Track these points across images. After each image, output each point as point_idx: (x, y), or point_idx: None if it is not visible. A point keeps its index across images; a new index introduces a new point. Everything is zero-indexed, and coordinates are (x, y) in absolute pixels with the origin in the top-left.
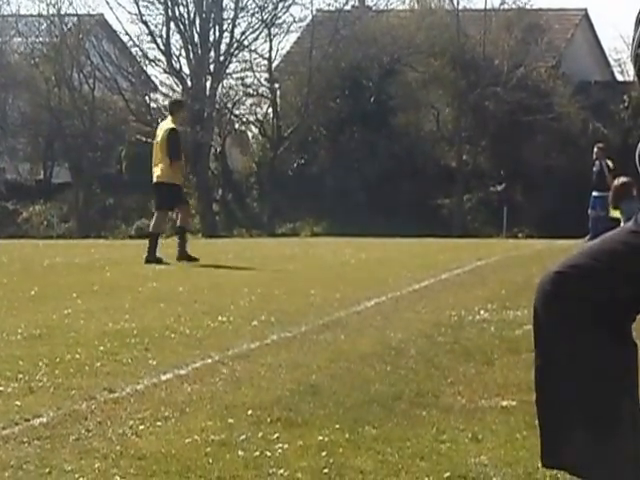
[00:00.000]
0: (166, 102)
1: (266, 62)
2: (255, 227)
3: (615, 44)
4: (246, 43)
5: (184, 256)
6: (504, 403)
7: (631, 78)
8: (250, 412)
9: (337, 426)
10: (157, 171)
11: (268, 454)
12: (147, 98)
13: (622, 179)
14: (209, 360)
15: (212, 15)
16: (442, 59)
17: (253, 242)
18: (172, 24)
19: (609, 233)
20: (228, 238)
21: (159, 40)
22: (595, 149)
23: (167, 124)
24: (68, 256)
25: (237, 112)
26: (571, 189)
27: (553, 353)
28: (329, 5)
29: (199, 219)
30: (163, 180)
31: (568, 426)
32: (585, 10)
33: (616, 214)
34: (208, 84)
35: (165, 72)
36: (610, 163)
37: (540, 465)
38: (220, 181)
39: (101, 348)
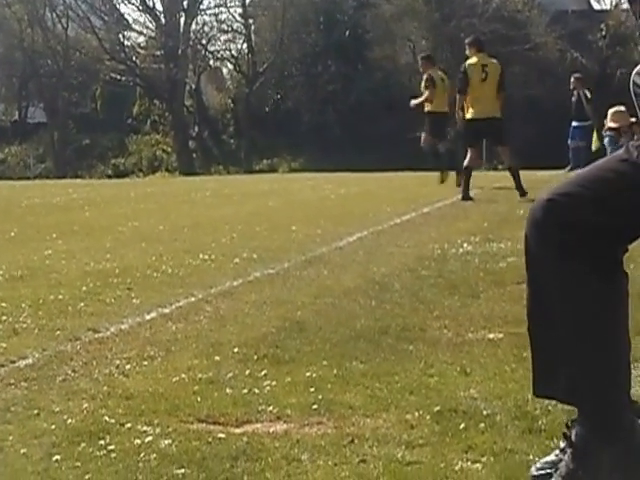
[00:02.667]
0: (140, 40)
1: None
2: (232, 164)
3: None
4: None
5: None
6: (491, 336)
7: (608, 6)
8: (236, 349)
9: (324, 362)
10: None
11: (256, 391)
12: (121, 36)
13: (630, 117)
14: (192, 298)
15: None
16: None
17: (231, 179)
18: None
19: (600, 161)
20: (205, 175)
21: None
22: (572, 79)
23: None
24: (46, 196)
25: (211, 49)
26: (550, 120)
27: (544, 282)
28: None
29: (175, 157)
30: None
31: (560, 354)
32: None
33: (597, 145)
34: (182, 21)
35: (138, 9)
36: (588, 93)
37: (531, 395)
38: (196, 118)
39: (84, 288)
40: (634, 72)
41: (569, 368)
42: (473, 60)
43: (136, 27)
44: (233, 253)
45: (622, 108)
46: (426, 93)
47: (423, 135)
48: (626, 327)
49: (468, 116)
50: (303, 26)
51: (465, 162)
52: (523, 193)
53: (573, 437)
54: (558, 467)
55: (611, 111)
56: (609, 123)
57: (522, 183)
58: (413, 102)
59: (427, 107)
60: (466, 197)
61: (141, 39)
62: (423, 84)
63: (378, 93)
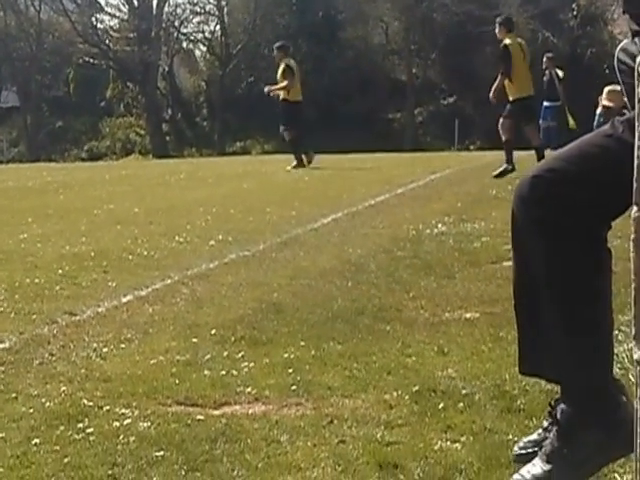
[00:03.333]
0: (113, 22)
1: None
2: (205, 146)
3: None
4: None
5: None
6: (467, 315)
7: None
8: (214, 331)
9: (302, 343)
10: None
11: (234, 373)
12: (93, 19)
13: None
14: (169, 281)
15: None
16: None
17: (204, 161)
18: None
19: (585, 136)
20: (179, 158)
21: None
22: (544, 59)
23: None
24: (20, 180)
25: (184, 31)
26: None
27: (530, 258)
28: None
29: (149, 140)
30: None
31: (546, 332)
32: None
33: (572, 123)
34: (155, 3)
35: None
36: (560, 72)
37: (509, 375)
38: (169, 101)
39: (60, 272)
40: (619, 48)
41: (555, 345)
42: (509, 40)
43: (109, 10)
44: (208, 235)
45: (617, 87)
46: (284, 82)
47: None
48: (610, 303)
49: (513, 97)
50: (276, 7)
51: (534, 143)
52: None
53: (558, 415)
54: (542, 445)
55: (607, 89)
56: (604, 101)
57: None
58: (269, 88)
59: (283, 95)
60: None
61: (114, 22)
62: (280, 73)
63: (351, 74)
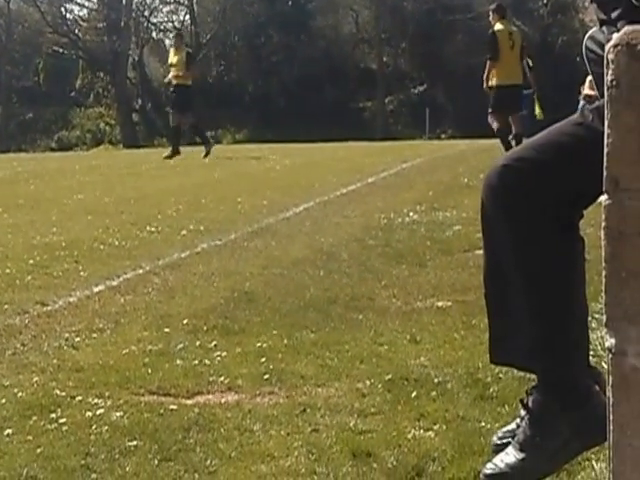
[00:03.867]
0: (82, 12)
1: None
2: None
3: None
4: None
5: None
6: (439, 304)
7: None
8: (186, 321)
9: (274, 332)
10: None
11: (207, 362)
12: (63, 9)
13: None
14: (140, 270)
15: None
16: None
17: None
18: None
19: (555, 125)
20: (149, 148)
21: None
22: None
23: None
24: None
25: (154, 20)
26: None
27: (501, 248)
28: None
29: (119, 130)
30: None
31: (517, 322)
32: None
33: (538, 112)
34: None
35: None
36: (530, 61)
37: (482, 363)
38: (139, 91)
39: (31, 262)
40: (586, 36)
41: (527, 333)
42: (500, 27)
43: (78, 0)
44: (180, 225)
45: None
46: (184, 70)
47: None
48: (583, 291)
49: (493, 83)
50: None
51: (495, 127)
52: None
53: (530, 403)
54: (515, 433)
55: (589, 78)
56: (586, 90)
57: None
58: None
59: (180, 80)
60: None
61: (83, 11)
62: (184, 60)
63: (321, 63)
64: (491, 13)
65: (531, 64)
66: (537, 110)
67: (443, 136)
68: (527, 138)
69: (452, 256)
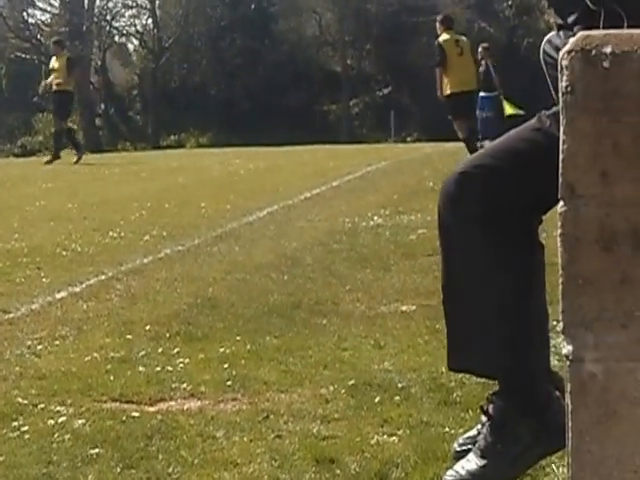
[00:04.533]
0: (44, 17)
1: None
2: (139, 140)
3: None
4: None
5: None
6: (404, 308)
7: None
8: (148, 327)
9: (238, 338)
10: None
11: (169, 369)
12: (25, 14)
13: None
14: (103, 276)
15: None
16: None
17: (138, 156)
18: None
19: (512, 131)
20: (113, 152)
21: None
22: (480, 49)
23: None
24: None
25: (116, 24)
26: None
27: (458, 254)
28: None
29: (82, 134)
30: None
31: (476, 326)
32: None
33: (510, 110)
34: None
35: None
36: (494, 63)
37: (445, 368)
38: (102, 95)
39: None
40: (544, 40)
41: (485, 340)
42: (445, 37)
43: (40, 4)
44: (143, 230)
45: None
46: (65, 76)
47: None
48: (543, 297)
49: (449, 91)
50: (208, 0)
51: (461, 136)
52: None
53: (491, 410)
54: (477, 440)
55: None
56: None
57: None
58: (45, 82)
59: (59, 87)
60: None
61: (46, 16)
62: (65, 66)
63: (285, 66)
64: (438, 24)
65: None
66: (507, 109)
67: (409, 139)
68: (493, 140)
69: (416, 260)
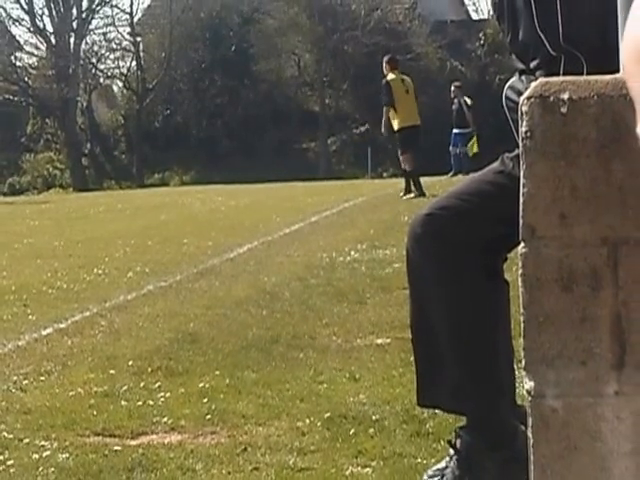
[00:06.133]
0: (31, 60)
1: (128, 16)
2: (124, 179)
3: None
4: None
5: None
6: (379, 341)
7: (486, 16)
8: (131, 362)
9: (217, 372)
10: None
11: (151, 403)
12: (12, 57)
13: None
14: (87, 313)
15: None
16: (298, 6)
17: (123, 194)
18: None
19: (477, 173)
20: (98, 191)
21: None
22: (452, 87)
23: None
24: None
25: (102, 67)
26: (431, 127)
27: (426, 293)
28: None
29: (69, 174)
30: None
31: (443, 364)
32: None
33: (476, 149)
34: (72, 41)
35: (29, 31)
36: (468, 100)
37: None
38: (88, 135)
39: None
40: (506, 86)
41: (452, 376)
42: (392, 76)
43: (27, 48)
44: (126, 267)
45: None
46: None
47: None
48: (508, 333)
49: (397, 126)
50: (190, 42)
51: (407, 167)
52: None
53: (458, 444)
54: (444, 474)
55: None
56: None
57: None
58: None
59: None
60: (423, 194)
61: (32, 60)
62: None
63: (264, 106)
64: (385, 64)
65: (470, 103)
66: (472, 147)
67: (385, 174)
68: (466, 175)
69: (391, 293)
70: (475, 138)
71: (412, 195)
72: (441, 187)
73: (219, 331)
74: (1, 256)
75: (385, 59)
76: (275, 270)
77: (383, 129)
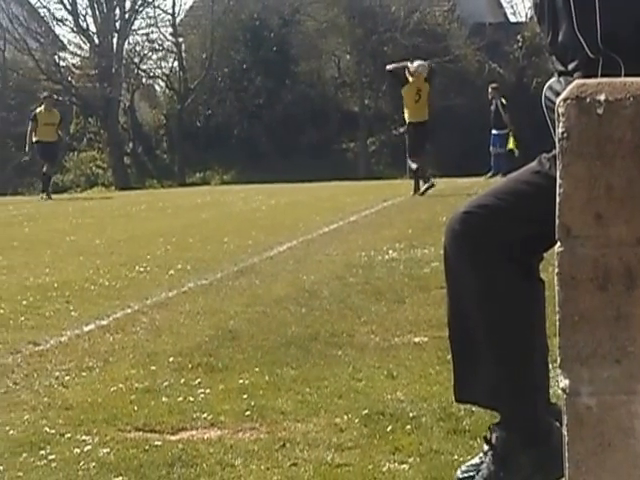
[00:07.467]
0: (75, 60)
1: (170, 17)
2: (166, 178)
3: None
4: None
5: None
6: (416, 340)
7: (523, 19)
8: (171, 359)
9: (256, 369)
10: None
11: (191, 399)
12: (56, 57)
13: None
14: (129, 310)
15: None
16: (338, 8)
17: (165, 192)
18: None
19: (515, 173)
20: (140, 190)
21: (66, 0)
22: (489, 89)
23: None
24: None
25: (144, 67)
26: (470, 128)
27: (463, 291)
28: None
29: (111, 172)
30: None
31: (480, 362)
32: None
33: (511, 146)
34: (115, 41)
35: (73, 31)
36: (504, 101)
37: (453, 400)
38: (130, 135)
39: (24, 302)
40: (546, 86)
41: (488, 373)
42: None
43: (71, 48)
44: (168, 265)
45: None
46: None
47: None
48: (543, 331)
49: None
50: (232, 43)
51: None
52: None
53: (494, 440)
54: (480, 469)
55: None
56: None
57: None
58: None
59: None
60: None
61: (76, 59)
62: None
63: (304, 106)
64: None
65: (505, 103)
66: (511, 145)
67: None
68: (504, 176)
69: (429, 292)
70: (512, 137)
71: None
72: (480, 188)
73: (259, 328)
74: (44, 253)
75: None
76: (314, 269)
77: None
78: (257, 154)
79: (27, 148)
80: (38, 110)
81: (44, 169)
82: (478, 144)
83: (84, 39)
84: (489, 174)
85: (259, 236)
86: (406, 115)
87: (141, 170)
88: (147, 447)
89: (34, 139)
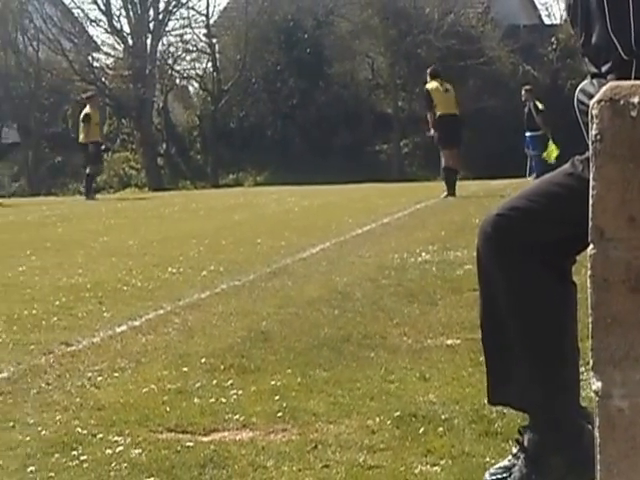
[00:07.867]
0: (108, 61)
1: (204, 18)
2: (199, 179)
3: None
4: (184, 0)
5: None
6: (449, 342)
7: (558, 21)
8: (204, 360)
9: (289, 370)
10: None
11: (223, 400)
12: (90, 58)
13: None
14: (161, 311)
15: None
16: (372, 9)
17: (198, 194)
18: None
19: (548, 175)
20: (174, 191)
21: (100, 1)
22: (523, 91)
23: None
24: (20, 214)
25: (178, 68)
26: (504, 130)
27: (496, 293)
28: None
29: (145, 173)
30: None
31: (513, 364)
32: None
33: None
34: (148, 42)
35: (106, 32)
36: (539, 104)
37: (486, 402)
38: (164, 135)
39: (56, 303)
40: (578, 89)
41: (521, 375)
42: (430, 85)
43: (104, 49)
44: (200, 266)
45: None
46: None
47: None
48: (575, 334)
49: (438, 115)
50: (265, 44)
51: (446, 164)
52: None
53: (525, 442)
54: (512, 472)
55: None
56: None
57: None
58: None
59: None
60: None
61: (109, 60)
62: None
63: (337, 107)
64: (427, 75)
65: (540, 106)
66: (553, 151)
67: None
68: (537, 178)
69: (462, 295)
70: (552, 143)
71: (444, 194)
72: (512, 189)
73: (291, 330)
74: (77, 254)
75: (428, 70)
76: (347, 270)
77: (431, 131)
78: (290, 155)
79: (90, 149)
80: (89, 110)
81: (88, 170)
82: (512, 146)
83: (118, 40)
84: (534, 175)
85: (292, 237)
86: (437, 110)
87: (174, 171)
88: (179, 448)
89: (89, 139)
